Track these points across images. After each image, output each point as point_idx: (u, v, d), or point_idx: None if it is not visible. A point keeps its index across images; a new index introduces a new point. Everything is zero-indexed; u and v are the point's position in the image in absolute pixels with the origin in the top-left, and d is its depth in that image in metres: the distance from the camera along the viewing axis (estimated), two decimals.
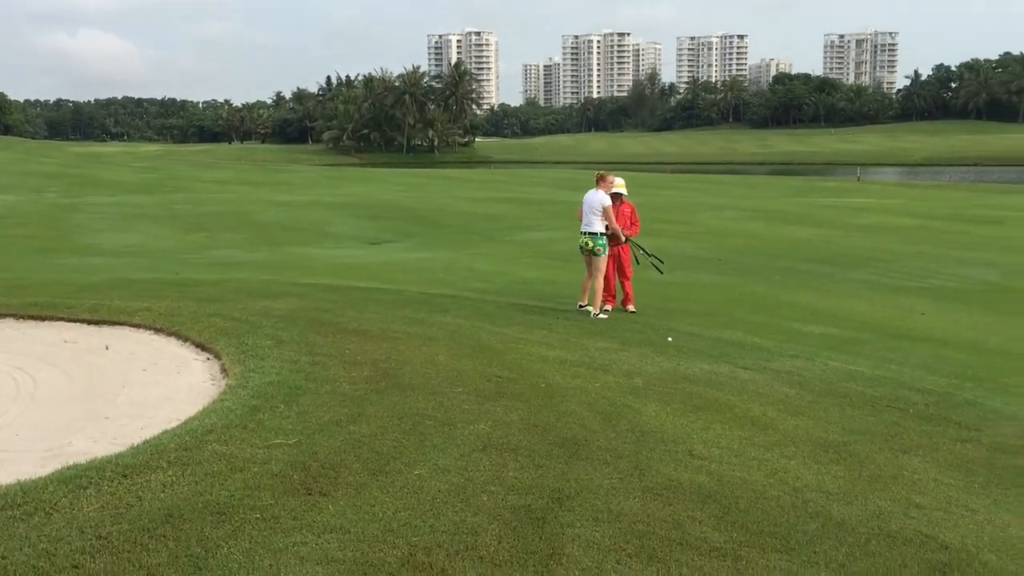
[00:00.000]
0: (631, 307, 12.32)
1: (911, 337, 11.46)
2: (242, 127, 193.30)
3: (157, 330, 8.85)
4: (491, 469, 5.20)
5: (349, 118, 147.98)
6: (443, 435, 5.75)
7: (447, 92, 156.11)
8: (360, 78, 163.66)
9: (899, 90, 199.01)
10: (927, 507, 5.21)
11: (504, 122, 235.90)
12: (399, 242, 23.61)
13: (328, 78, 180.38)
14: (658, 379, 7.87)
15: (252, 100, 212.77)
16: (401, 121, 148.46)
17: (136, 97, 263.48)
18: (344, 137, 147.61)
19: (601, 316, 11.32)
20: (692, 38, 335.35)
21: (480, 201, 37.47)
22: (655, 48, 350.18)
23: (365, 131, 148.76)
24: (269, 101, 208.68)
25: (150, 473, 4.81)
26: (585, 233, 11.53)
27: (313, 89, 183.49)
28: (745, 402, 7.28)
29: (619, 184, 12.27)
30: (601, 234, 11.49)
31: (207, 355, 7.97)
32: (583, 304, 11.62)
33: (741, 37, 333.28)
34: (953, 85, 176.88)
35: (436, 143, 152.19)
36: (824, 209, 34.36)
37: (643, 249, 12.80)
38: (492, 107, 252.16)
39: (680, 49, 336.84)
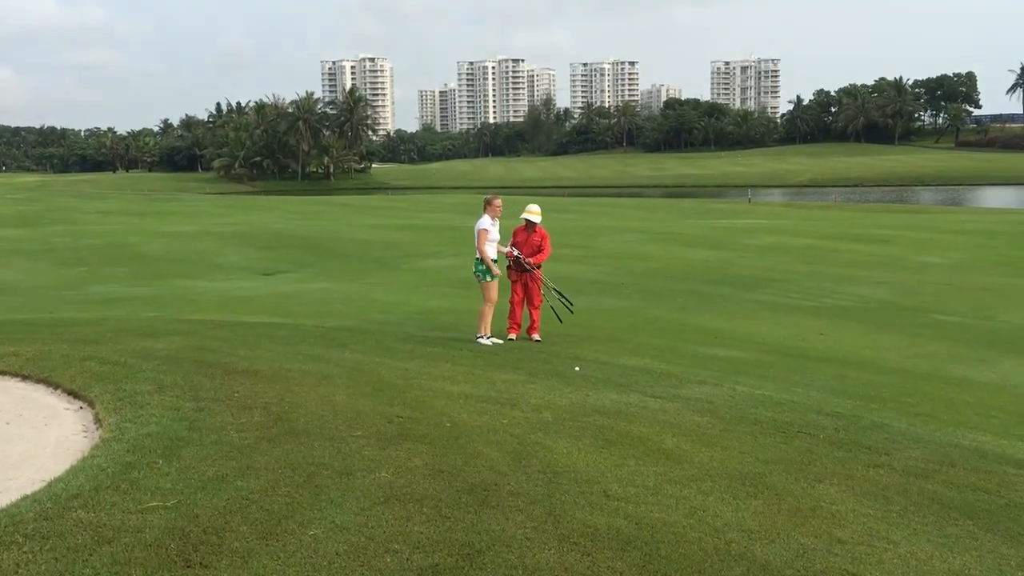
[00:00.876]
0: (536, 336, 12.11)
1: (813, 358, 11.51)
2: (127, 155, 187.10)
3: (24, 377, 8.08)
4: (394, 524, 4.78)
5: (241, 145, 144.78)
6: (341, 487, 5.29)
7: (342, 118, 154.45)
8: (251, 105, 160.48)
9: (783, 114, 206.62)
10: (849, 542, 5.02)
11: (401, 148, 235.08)
12: (294, 272, 22.85)
13: (218, 105, 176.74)
14: (568, 412, 7.57)
15: (138, 128, 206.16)
16: (295, 148, 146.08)
17: (12, 126, 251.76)
18: (236, 165, 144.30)
19: (483, 342, 11.05)
20: (585, 64, 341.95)
21: (378, 228, 36.85)
22: (549, 74, 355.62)
23: (257, 158, 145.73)
24: (156, 129, 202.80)
25: (2, 551, 4.21)
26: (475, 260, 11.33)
27: (202, 116, 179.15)
28: (657, 434, 7.04)
29: (530, 211, 12.11)
30: (479, 260, 11.26)
31: (80, 404, 7.28)
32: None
33: (632, 63, 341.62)
34: (833, 109, 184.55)
35: (332, 170, 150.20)
36: (719, 230, 35.04)
37: (556, 289, 12.61)
38: (388, 133, 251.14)
39: (574, 75, 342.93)
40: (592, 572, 4.34)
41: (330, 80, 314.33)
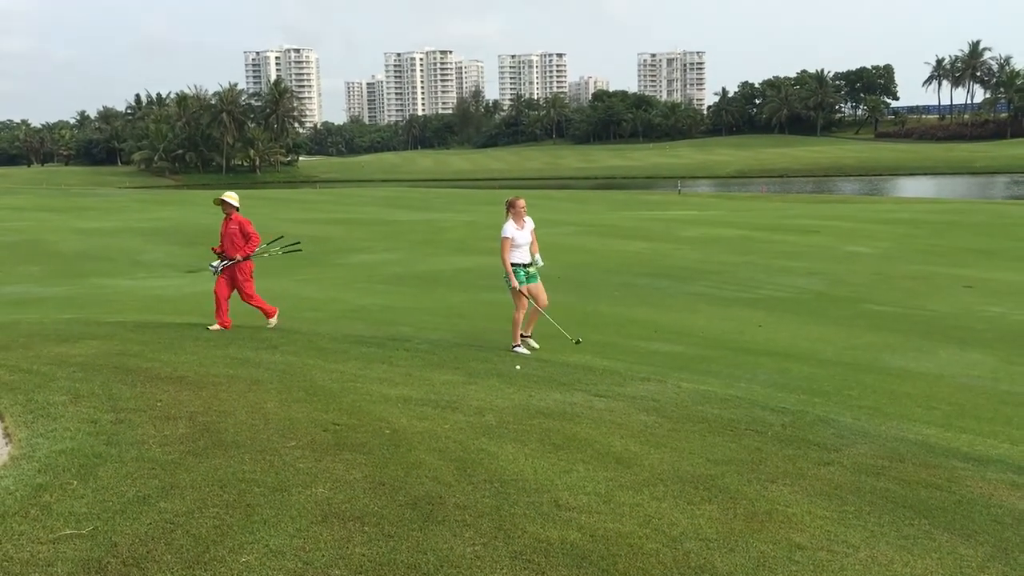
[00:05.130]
0: (272, 320, 11.88)
1: (754, 351, 11.45)
2: (42, 149, 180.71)
3: None
4: (334, 545, 4.43)
5: (162, 138, 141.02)
6: (275, 505, 4.92)
7: (267, 110, 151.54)
8: (173, 96, 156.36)
9: (709, 106, 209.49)
10: (808, 547, 4.85)
11: (328, 140, 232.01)
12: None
13: (137, 96, 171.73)
14: (511, 414, 7.29)
15: (53, 120, 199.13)
16: (219, 141, 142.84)
17: None
18: (157, 158, 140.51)
19: (518, 351, 10.63)
20: (513, 56, 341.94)
21: (307, 223, 36.07)
22: (478, 66, 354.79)
23: (180, 151, 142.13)
24: (72, 121, 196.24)
25: None
26: None
27: (121, 108, 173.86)
28: (605, 436, 6.81)
29: (227, 195, 11.64)
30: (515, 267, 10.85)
31: None
32: None
33: (560, 55, 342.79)
34: (757, 101, 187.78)
35: (258, 163, 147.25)
36: (652, 222, 35.17)
37: (274, 247, 12.45)
38: (315, 125, 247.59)
39: (502, 67, 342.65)
40: None
41: (254, 71, 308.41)
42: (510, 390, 8.27)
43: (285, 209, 47.39)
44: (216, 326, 11.33)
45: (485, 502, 5.16)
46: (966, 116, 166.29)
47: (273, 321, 11.84)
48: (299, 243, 13.07)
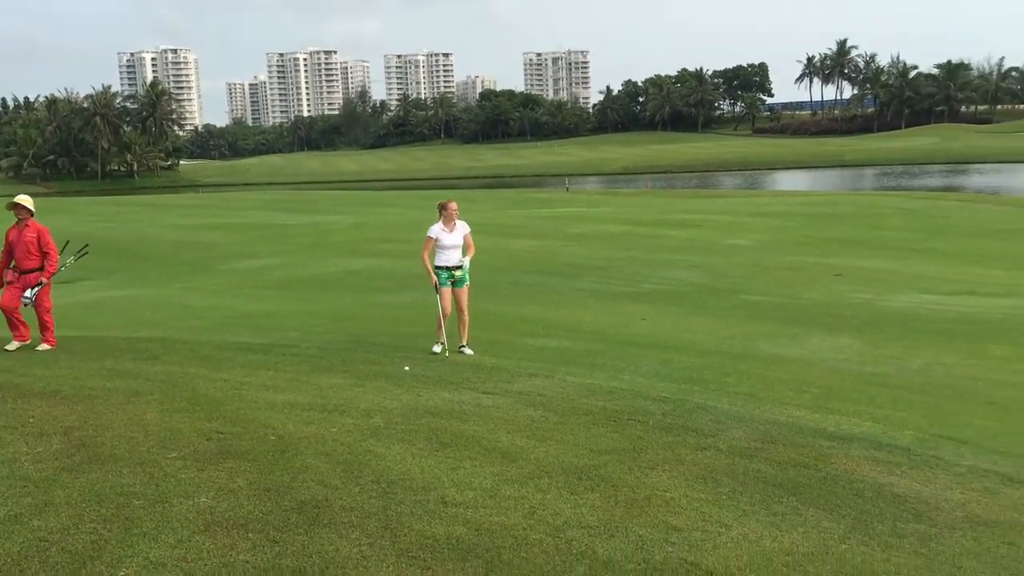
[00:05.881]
0: (19, 344, 10.22)
1: (638, 344, 11.78)
2: None
3: None
4: (217, 554, 4.41)
5: (31, 143, 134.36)
6: (155, 517, 4.84)
7: (144, 113, 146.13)
8: (42, 100, 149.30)
9: (595, 104, 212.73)
10: (684, 529, 5.07)
11: (211, 143, 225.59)
12: (96, 280, 21.32)
13: (3, 100, 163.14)
14: (399, 415, 7.34)
15: None
16: (93, 145, 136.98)
17: None
18: (26, 164, 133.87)
19: (435, 349, 10.59)
20: (399, 56, 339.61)
21: (188, 229, 35.08)
22: (363, 66, 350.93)
23: (51, 157, 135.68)
24: None
25: None
26: None
27: None
28: (492, 432, 6.93)
29: (20, 199, 10.45)
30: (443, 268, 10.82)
31: None
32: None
33: (446, 55, 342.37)
34: (641, 99, 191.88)
35: (136, 168, 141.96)
36: (540, 220, 35.61)
37: (66, 257, 11.51)
38: (196, 128, 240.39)
39: (388, 67, 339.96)
40: None
41: (129, 73, 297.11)
42: (398, 391, 8.31)
43: (165, 215, 45.93)
44: (15, 344, 10.16)
45: (372, 503, 5.20)
46: (836, 112, 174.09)
47: (15, 345, 10.20)
48: (87, 246, 12.21)
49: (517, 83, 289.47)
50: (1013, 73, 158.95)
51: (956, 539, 5.12)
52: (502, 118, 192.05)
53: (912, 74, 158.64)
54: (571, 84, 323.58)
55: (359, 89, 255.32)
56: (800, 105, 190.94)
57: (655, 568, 4.50)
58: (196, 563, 4.29)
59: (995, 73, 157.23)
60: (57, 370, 8.75)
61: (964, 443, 7.36)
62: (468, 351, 10.70)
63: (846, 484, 6.00)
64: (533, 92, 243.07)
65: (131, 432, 6.44)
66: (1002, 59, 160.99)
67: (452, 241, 10.75)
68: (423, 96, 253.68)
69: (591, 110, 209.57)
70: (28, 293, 10.29)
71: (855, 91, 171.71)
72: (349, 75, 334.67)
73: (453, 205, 10.84)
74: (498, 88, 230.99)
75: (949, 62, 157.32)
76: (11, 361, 9.31)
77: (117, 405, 7.26)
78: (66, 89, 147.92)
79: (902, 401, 8.97)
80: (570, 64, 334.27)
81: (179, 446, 6.14)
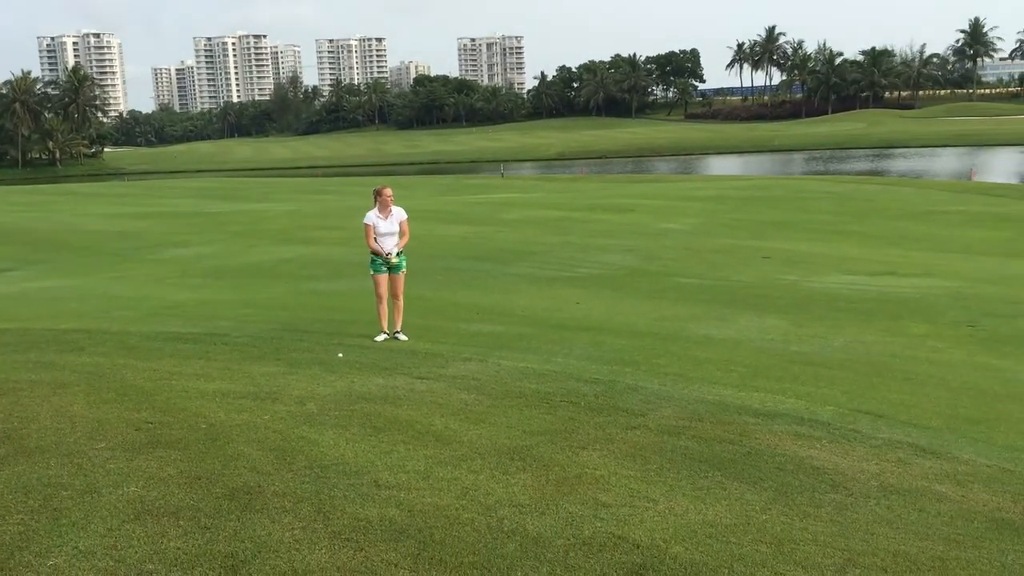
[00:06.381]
0: None
1: (571, 327, 11.94)
2: None
3: None
4: (147, 541, 4.41)
5: None
6: (84, 507, 4.81)
7: (66, 99, 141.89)
8: None
9: (529, 90, 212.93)
10: (613, 505, 5.21)
11: (137, 130, 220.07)
12: (19, 270, 20.76)
13: None
14: (333, 402, 7.36)
15: None
16: (13, 133, 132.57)
17: None
18: None
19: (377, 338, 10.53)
20: (331, 40, 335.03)
21: (115, 218, 34.28)
22: (294, 51, 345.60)
23: None
24: None
25: None
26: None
27: None
28: (426, 416, 7.00)
29: None
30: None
31: None
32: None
33: (379, 40, 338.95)
34: (575, 85, 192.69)
35: (58, 155, 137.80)
36: (475, 206, 35.64)
37: None
38: (121, 114, 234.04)
39: (320, 52, 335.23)
40: (366, 568, 4.21)
41: (50, 58, 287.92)
42: (332, 378, 8.31)
43: (91, 204, 44.78)
44: None
45: (305, 488, 5.23)
46: (766, 97, 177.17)
47: None
48: None
49: (452, 68, 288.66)
50: (934, 60, 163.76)
51: (870, 507, 5.35)
52: (437, 104, 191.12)
53: (838, 61, 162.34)
54: (506, 70, 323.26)
55: (290, 74, 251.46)
56: (731, 91, 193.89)
57: (584, 542, 4.62)
58: (126, 551, 4.29)
59: (917, 60, 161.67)
60: None
61: (881, 417, 7.66)
62: (402, 337, 10.72)
63: (768, 458, 6.21)
64: (468, 78, 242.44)
65: (58, 424, 6.35)
66: (923, 46, 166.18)
67: (388, 228, 10.74)
68: (356, 82, 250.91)
69: (526, 96, 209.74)
70: None
71: (784, 77, 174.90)
72: (280, 60, 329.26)
73: (388, 191, 10.81)
74: (433, 73, 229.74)
75: (873, 49, 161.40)
76: None
77: (43, 397, 7.14)
78: None
79: (824, 378, 9.28)
80: (504, 50, 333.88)
81: (107, 436, 6.08)
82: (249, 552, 4.32)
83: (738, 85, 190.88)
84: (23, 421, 6.40)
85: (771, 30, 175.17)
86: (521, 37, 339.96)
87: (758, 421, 7.23)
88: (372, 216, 10.73)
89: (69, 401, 7.02)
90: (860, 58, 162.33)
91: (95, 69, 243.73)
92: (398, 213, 10.77)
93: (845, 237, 24.76)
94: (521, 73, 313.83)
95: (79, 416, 6.57)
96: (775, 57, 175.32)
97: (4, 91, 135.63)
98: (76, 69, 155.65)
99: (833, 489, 5.63)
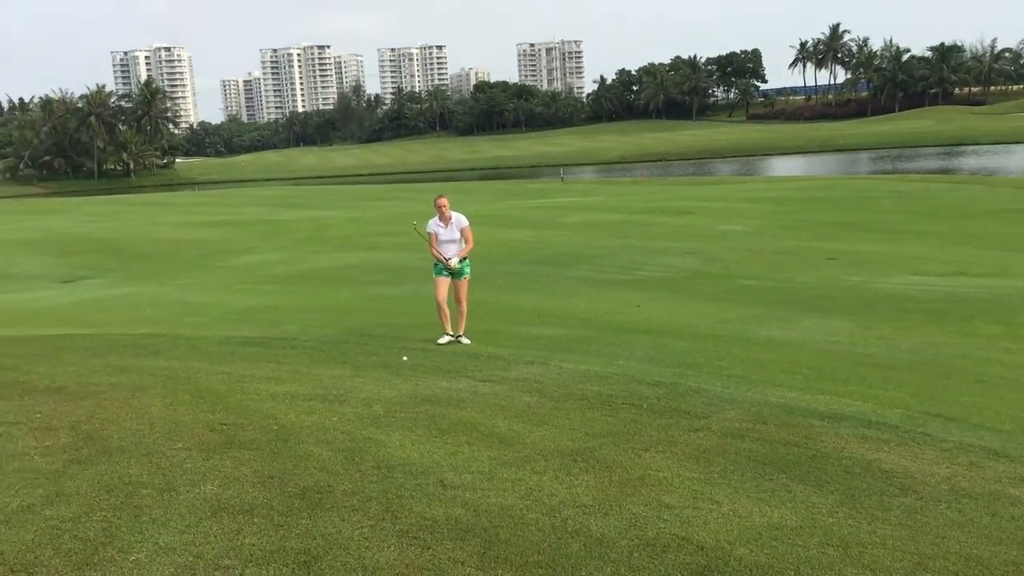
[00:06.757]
0: None
1: (632, 330, 11.93)
2: None
3: None
4: (224, 538, 4.57)
5: (27, 144, 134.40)
6: (163, 505, 5.01)
7: (139, 112, 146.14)
8: (36, 100, 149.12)
9: (589, 94, 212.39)
10: (676, 506, 5.23)
11: (206, 141, 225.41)
12: (96, 278, 21.48)
13: None
14: (398, 404, 7.50)
15: None
16: (89, 145, 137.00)
17: None
18: (22, 165, 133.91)
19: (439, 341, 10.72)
20: (393, 49, 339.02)
21: (186, 226, 35.20)
22: (357, 60, 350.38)
23: (47, 158, 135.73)
24: None
25: None
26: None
27: None
28: (489, 418, 7.09)
29: None
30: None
31: None
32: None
33: (440, 47, 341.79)
34: (635, 88, 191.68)
35: (132, 167, 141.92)
36: (536, 210, 35.73)
37: None
38: (191, 126, 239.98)
39: (382, 60, 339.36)
40: (433, 565, 4.31)
41: (123, 72, 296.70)
42: (397, 380, 8.46)
43: (163, 213, 46.04)
44: None
45: (372, 487, 5.36)
46: (830, 96, 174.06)
47: None
48: None
49: (511, 74, 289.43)
50: (1006, 54, 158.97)
51: (941, 511, 5.27)
52: (497, 109, 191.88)
53: (905, 57, 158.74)
54: (565, 74, 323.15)
55: (353, 83, 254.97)
56: (794, 90, 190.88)
57: (647, 543, 4.65)
58: (204, 547, 4.45)
59: (988, 55, 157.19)
60: (61, 367, 8.90)
61: (951, 420, 7.52)
62: (465, 341, 10.85)
63: (835, 461, 6.15)
64: (527, 83, 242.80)
65: (137, 425, 6.59)
66: (995, 40, 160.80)
67: (448, 235, 10.89)
68: (417, 89, 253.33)
69: (586, 100, 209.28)
70: None
71: (848, 75, 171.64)
72: (343, 69, 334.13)
73: (441, 200, 10.95)
74: (492, 80, 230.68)
75: (942, 44, 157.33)
76: (15, 359, 9.46)
77: (122, 399, 7.41)
78: (61, 89, 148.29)
79: (891, 380, 9.13)
80: (564, 54, 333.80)
81: (184, 437, 6.29)
82: (321, 549, 4.45)
83: (801, 84, 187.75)
84: (104, 422, 6.66)
85: (835, 28, 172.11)
86: (580, 41, 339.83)
87: (824, 424, 7.16)
88: (433, 224, 10.91)
89: (147, 403, 7.28)
90: (928, 54, 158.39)
91: (166, 82, 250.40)
92: (458, 220, 10.90)
93: (912, 237, 24.24)
94: (580, 77, 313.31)
95: (157, 417, 6.81)
96: (839, 55, 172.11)
97: (80, 105, 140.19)
98: (148, 82, 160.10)
99: (902, 492, 5.55)
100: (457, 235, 10.89)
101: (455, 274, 10.93)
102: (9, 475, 5.43)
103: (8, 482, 5.31)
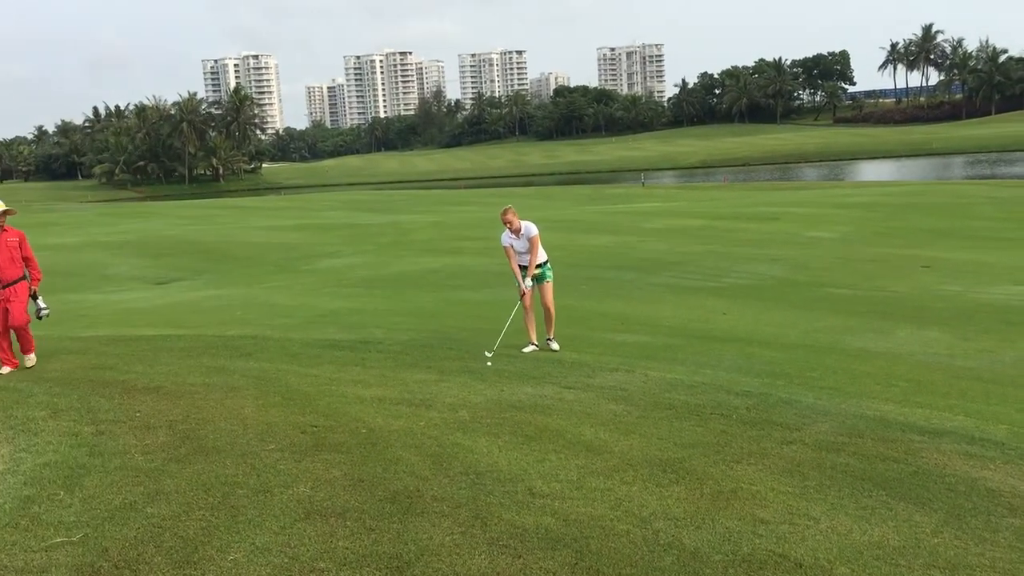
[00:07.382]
0: (31, 358, 9.38)
1: (719, 338, 11.73)
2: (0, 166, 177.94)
3: None
4: (318, 541, 4.62)
5: (122, 150, 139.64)
6: (258, 505, 5.09)
7: (228, 118, 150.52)
8: (131, 107, 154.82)
9: (670, 98, 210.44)
10: (772, 521, 5.09)
11: (291, 146, 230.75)
12: (188, 280, 22.11)
13: (95, 109, 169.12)
14: (484, 410, 7.50)
15: (10, 136, 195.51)
16: (180, 151, 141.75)
17: None
18: (118, 170, 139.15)
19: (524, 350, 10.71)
20: (473, 55, 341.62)
21: (273, 230, 36.01)
22: (438, 66, 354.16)
23: (141, 163, 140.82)
24: (30, 136, 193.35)
25: None
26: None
27: (79, 121, 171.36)
28: (575, 425, 7.03)
29: None
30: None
31: None
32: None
33: (520, 52, 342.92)
34: (717, 91, 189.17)
35: (221, 171, 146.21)
36: (617, 215, 35.50)
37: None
38: (277, 131, 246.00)
39: (463, 66, 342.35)
40: (524, 575, 4.27)
41: (213, 79, 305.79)
42: (482, 386, 8.47)
43: (251, 217, 47.22)
44: (7, 368, 9.08)
45: (461, 493, 5.36)
46: (922, 99, 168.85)
47: (32, 359, 9.39)
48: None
49: (591, 78, 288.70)
50: None
51: None
52: (576, 114, 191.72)
53: (1002, 58, 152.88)
54: (645, 78, 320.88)
55: (434, 89, 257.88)
56: (883, 93, 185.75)
57: (743, 559, 4.54)
58: (299, 548, 4.51)
59: None
60: (158, 367, 9.16)
61: None
62: (555, 345, 10.79)
63: (937, 478, 5.92)
64: (607, 87, 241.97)
65: (231, 425, 6.73)
66: None
67: (522, 247, 10.88)
68: (497, 94, 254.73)
69: (666, 104, 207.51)
70: (40, 303, 9.41)
71: (942, 77, 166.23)
72: (424, 75, 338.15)
73: (505, 214, 10.75)
74: (572, 84, 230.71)
75: None
76: (114, 359, 9.77)
77: (216, 400, 7.59)
78: (154, 96, 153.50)
79: (995, 395, 8.76)
80: (644, 58, 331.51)
81: (276, 439, 6.40)
82: (412, 554, 4.46)
83: (891, 87, 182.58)
84: (200, 422, 6.82)
85: (928, 28, 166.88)
86: (661, 45, 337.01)
87: (924, 439, 6.90)
88: (506, 238, 10.86)
89: (240, 404, 7.43)
90: None
91: (254, 89, 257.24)
92: (527, 229, 10.82)
93: (1013, 245, 23.27)
94: (661, 81, 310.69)
95: (250, 419, 6.95)
96: (932, 56, 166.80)
97: (173, 112, 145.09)
98: (237, 89, 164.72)
99: (1011, 513, 5.31)
100: (528, 245, 10.83)
101: (537, 278, 10.90)
102: (112, 473, 5.60)
103: (111, 479, 5.47)
